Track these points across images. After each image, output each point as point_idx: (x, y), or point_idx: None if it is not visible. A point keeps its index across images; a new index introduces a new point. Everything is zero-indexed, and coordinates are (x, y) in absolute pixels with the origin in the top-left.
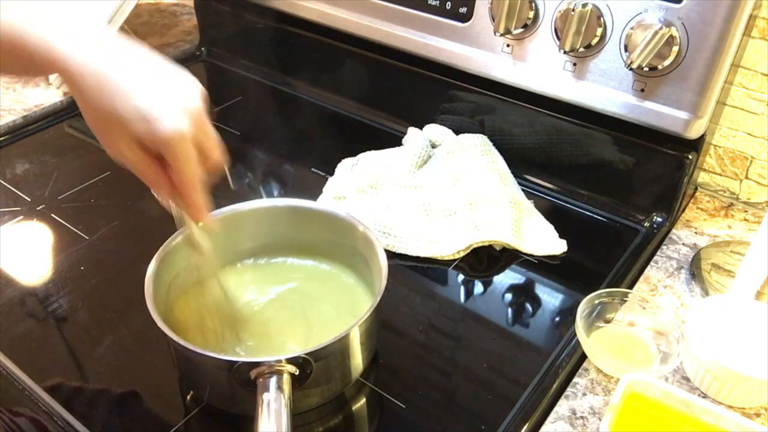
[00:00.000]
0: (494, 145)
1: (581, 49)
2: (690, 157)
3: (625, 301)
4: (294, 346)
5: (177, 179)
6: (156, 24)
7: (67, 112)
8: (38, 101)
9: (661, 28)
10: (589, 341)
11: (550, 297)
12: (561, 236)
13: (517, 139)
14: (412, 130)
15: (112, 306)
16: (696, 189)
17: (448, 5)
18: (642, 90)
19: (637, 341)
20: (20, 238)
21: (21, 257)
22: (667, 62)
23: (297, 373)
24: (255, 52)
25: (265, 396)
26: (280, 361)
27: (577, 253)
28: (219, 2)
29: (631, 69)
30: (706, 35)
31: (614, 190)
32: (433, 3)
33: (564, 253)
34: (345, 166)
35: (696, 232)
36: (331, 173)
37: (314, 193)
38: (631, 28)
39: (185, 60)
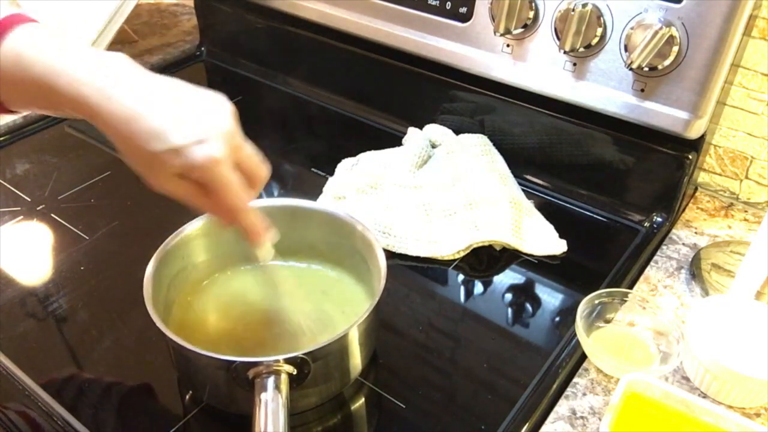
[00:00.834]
0: (494, 145)
1: (581, 49)
2: (690, 157)
3: (625, 301)
4: (292, 346)
5: (221, 204)
6: (156, 24)
7: None
8: None
9: (661, 28)
10: (589, 341)
11: (550, 297)
12: (561, 236)
13: (517, 139)
14: (412, 130)
15: (112, 306)
16: (696, 189)
17: (448, 5)
18: (642, 90)
19: (637, 341)
20: (20, 238)
21: (21, 257)
22: (667, 62)
23: (295, 373)
24: (255, 52)
25: (263, 396)
26: (278, 361)
27: (577, 253)
28: (219, 2)
29: (631, 69)
30: (706, 35)
31: (614, 190)
32: (433, 3)
33: (564, 253)
34: (345, 166)
35: (696, 232)
36: (331, 173)
37: (314, 193)
38: (631, 28)
39: (185, 60)
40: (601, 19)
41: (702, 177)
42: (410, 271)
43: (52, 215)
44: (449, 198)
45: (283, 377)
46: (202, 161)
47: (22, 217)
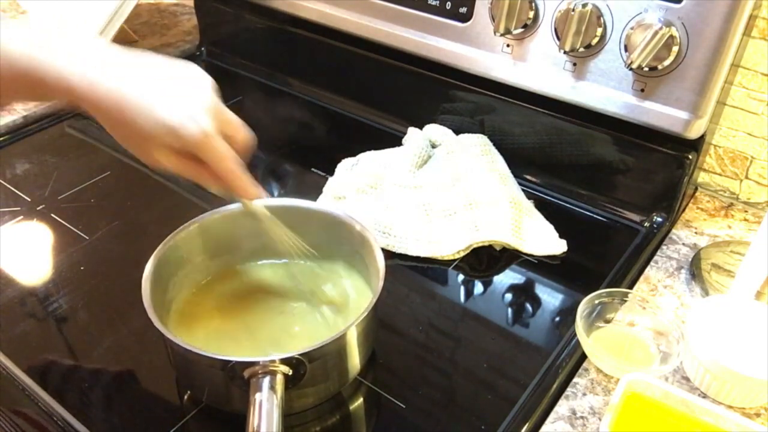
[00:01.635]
0: (494, 145)
1: (581, 49)
2: (690, 157)
3: (625, 301)
4: (290, 346)
5: (217, 172)
6: (156, 24)
7: (67, 112)
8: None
9: (661, 28)
10: (589, 341)
11: (550, 297)
12: (561, 236)
13: (517, 139)
14: (412, 130)
15: (112, 306)
16: (696, 189)
17: (448, 5)
18: (642, 90)
19: (637, 341)
20: (20, 238)
21: (21, 257)
22: (667, 62)
23: (290, 373)
24: (255, 52)
25: (257, 396)
26: (273, 361)
27: (577, 253)
28: (219, 2)
29: (631, 69)
30: (706, 35)
31: (614, 190)
32: (433, 3)
33: (564, 253)
34: (345, 166)
35: (696, 232)
36: (331, 173)
37: (314, 193)
38: (631, 28)
39: (185, 60)
40: (601, 19)
41: (702, 177)
42: (410, 271)
43: (52, 215)
44: (449, 198)
45: (279, 377)
46: (194, 136)
47: (22, 217)
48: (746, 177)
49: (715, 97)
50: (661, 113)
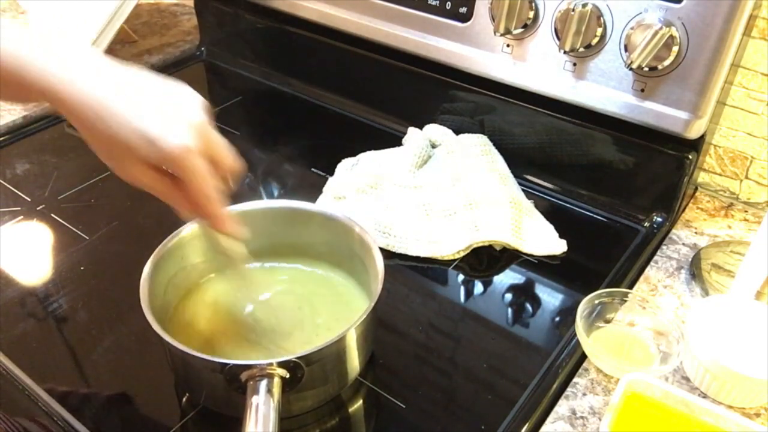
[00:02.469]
0: (494, 145)
1: (581, 49)
2: (690, 157)
3: (625, 301)
4: (288, 349)
5: (191, 194)
6: (156, 24)
7: None
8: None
9: (661, 28)
10: (589, 341)
11: (550, 297)
12: (561, 236)
13: (517, 139)
14: (412, 130)
15: (112, 306)
16: (696, 189)
17: (448, 5)
18: (642, 90)
19: (637, 341)
20: (20, 238)
21: (21, 257)
22: (667, 62)
23: (288, 376)
24: (255, 52)
25: (254, 399)
26: (271, 364)
27: (577, 253)
28: (219, 2)
29: (631, 69)
30: (706, 35)
31: (614, 190)
32: (433, 3)
33: (564, 253)
34: (345, 166)
35: (696, 232)
36: (331, 173)
37: (314, 193)
38: (631, 28)
39: (185, 60)
40: (601, 19)
41: (702, 177)
42: (410, 271)
43: (52, 215)
44: (449, 198)
45: (276, 381)
46: (172, 149)
47: (22, 217)
48: (746, 177)
49: (715, 97)
50: (661, 113)
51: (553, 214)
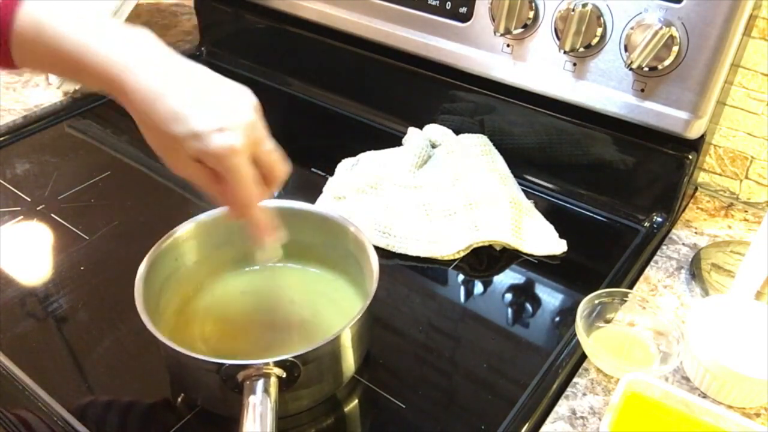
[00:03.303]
0: (494, 145)
1: (581, 49)
2: (690, 157)
3: (625, 301)
4: (284, 349)
5: (231, 194)
6: (156, 24)
7: (67, 112)
8: (38, 101)
9: (661, 28)
10: (589, 341)
11: (550, 297)
12: (561, 236)
13: (517, 139)
14: (412, 130)
15: (112, 306)
16: (696, 189)
17: (448, 5)
18: (642, 90)
19: (637, 341)
20: (20, 238)
21: (21, 257)
22: (667, 62)
23: (284, 376)
24: (255, 52)
25: (251, 399)
26: (267, 363)
27: (577, 253)
28: (219, 2)
29: (631, 69)
30: (706, 35)
31: (614, 190)
32: (433, 3)
33: (564, 253)
34: (345, 166)
35: (696, 232)
36: (331, 173)
37: (314, 193)
38: (631, 28)
39: None
40: (601, 19)
41: (702, 177)
42: (410, 271)
43: (52, 215)
44: (449, 198)
45: (273, 380)
46: (219, 149)
47: (22, 217)
48: (746, 177)
49: (715, 97)
50: (661, 113)
51: (553, 214)
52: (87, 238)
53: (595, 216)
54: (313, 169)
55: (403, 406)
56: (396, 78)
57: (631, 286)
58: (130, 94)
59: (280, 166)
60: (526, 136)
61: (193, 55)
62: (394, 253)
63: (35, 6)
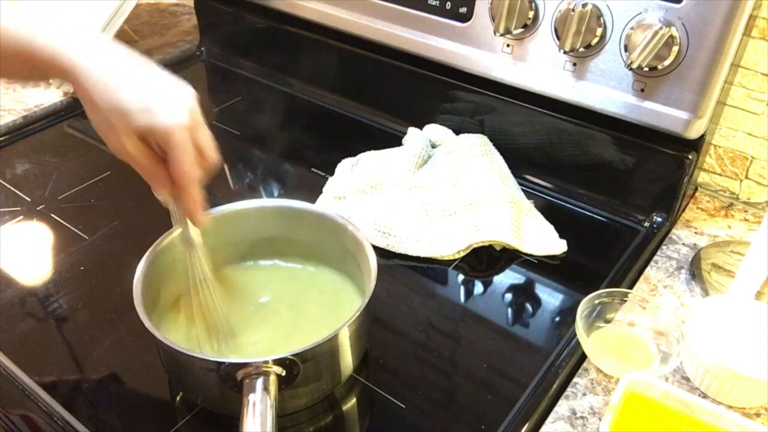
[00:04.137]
0: (494, 145)
1: (581, 49)
2: (690, 157)
3: (625, 301)
4: (283, 347)
5: (175, 172)
6: (156, 24)
7: (67, 112)
8: (38, 101)
9: (661, 28)
10: (589, 341)
11: (550, 297)
12: (561, 236)
13: (517, 139)
14: (412, 130)
15: (112, 306)
16: (696, 189)
17: (448, 5)
18: (642, 90)
19: (637, 341)
20: (20, 238)
21: (21, 257)
22: (667, 62)
23: (284, 374)
24: (255, 52)
25: (251, 397)
26: (266, 362)
27: (577, 253)
28: (219, 2)
29: (631, 69)
30: (706, 35)
31: (614, 190)
32: (433, 3)
33: (564, 253)
34: (345, 166)
35: (696, 232)
36: (331, 173)
37: (314, 193)
38: (631, 28)
39: (185, 60)
40: (601, 19)
41: (702, 177)
42: (410, 271)
43: (52, 215)
44: (449, 198)
45: (272, 378)
46: (169, 122)
47: (22, 217)
48: (746, 177)
49: (715, 97)
50: (661, 113)
51: (552, 214)
52: (87, 238)
53: (595, 216)
54: (313, 169)
55: (403, 406)
56: (396, 78)
57: (631, 286)
58: (81, 73)
59: (214, 152)
60: (526, 136)
61: (193, 55)
62: (394, 253)
63: None
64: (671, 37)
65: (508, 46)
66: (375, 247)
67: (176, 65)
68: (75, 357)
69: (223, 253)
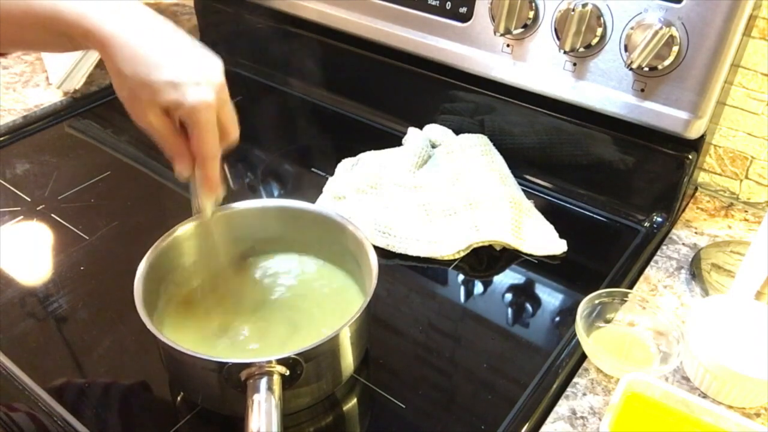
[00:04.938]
0: (494, 145)
1: (581, 49)
2: (690, 157)
3: (625, 301)
4: (285, 347)
5: (197, 148)
6: None
7: (67, 112)
8: (38, 101)
9: (661, 28)
10: (589, 341)
11: (550, 297)
12: (561, 236)
13: (517, 139)
14: (412, 130)
15: (112, 306)
16: (696, 189)
17: (448, 5)
18: (642, 90)
19: (637, 341)
20: (20, 238)
21: (21, 257)
22: (667, 62)
23: (287, 373)
24: (255, 52)
25: (256, 397)
26: (270, 362)
27: (577, 253)
28: (219, 2)
29: (631, 69)
30: (706, 35)
31: (614, 190)
32: (433, 3)
33: (564, 253)
34: (345, 166)
35: (696, 232)
36: (331, 173)
37: (314, 193)
38: (631, 28)
39: None
40: (601, 19)
41: (702, 177)
42: (410, 271)
43: (52, 215)
44: (449, 198)
45: (276, 378)
46: (195, 101)
47: (22, 217)
48: (746, 177)
49: (715, 97)
50: (661, 113)
51: (552, 214)
52: (87, 238)
53: (595, 216)
54: (313, 169)
55: (403, 406)
56: (396, 78)
57: (631, 286)
58: (112, 45)
59: (235, 127)
60: (526, 136)
61: None
62: (394, 253)
63: None
64: (671, 37)
65: (508, 46)
66: (375, 247)
67: None
68: (75, 357)
69: (223, 254)
